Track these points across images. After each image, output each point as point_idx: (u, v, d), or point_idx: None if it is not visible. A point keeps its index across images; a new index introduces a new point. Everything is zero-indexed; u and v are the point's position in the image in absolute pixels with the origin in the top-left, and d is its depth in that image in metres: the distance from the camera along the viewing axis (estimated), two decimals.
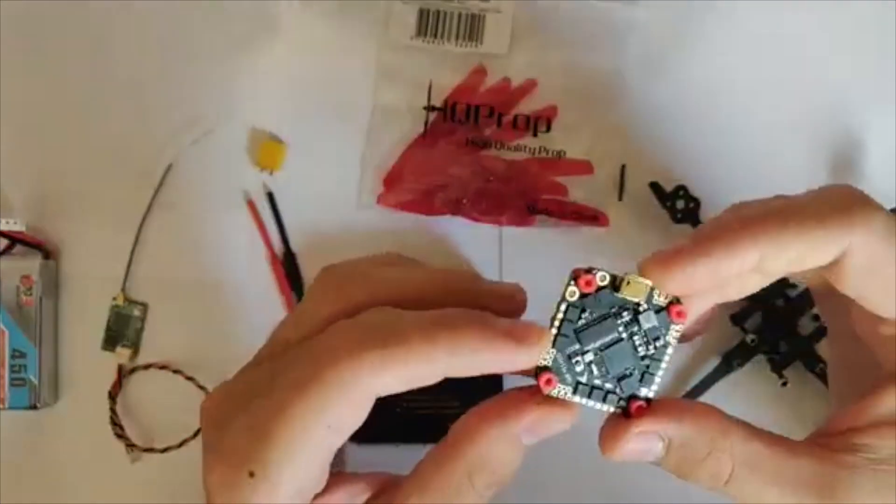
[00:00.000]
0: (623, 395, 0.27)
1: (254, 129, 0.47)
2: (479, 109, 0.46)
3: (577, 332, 0.27)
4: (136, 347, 0.46)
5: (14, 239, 0.45)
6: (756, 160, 0.46)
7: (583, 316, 0.27)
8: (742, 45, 0.47)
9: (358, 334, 0.26)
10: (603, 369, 0.27)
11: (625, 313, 0.27)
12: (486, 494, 0.27)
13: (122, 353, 0.45)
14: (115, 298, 0.46)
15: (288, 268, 0.46)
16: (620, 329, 0.27)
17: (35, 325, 0.44)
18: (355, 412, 0.26)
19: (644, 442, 0.27)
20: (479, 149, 0.46)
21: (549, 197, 0.46)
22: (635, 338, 0.27)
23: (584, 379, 0.27)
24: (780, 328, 0.44)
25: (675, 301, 0.27)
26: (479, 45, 0.46)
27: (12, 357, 0.44)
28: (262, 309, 0.45)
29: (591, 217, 0.46)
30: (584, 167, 0.46)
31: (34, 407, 0.44)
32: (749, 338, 0.44)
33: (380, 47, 0.47)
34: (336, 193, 0.46)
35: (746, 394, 0.45)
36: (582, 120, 0.46)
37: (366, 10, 0.47)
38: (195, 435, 0.43)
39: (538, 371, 0.27)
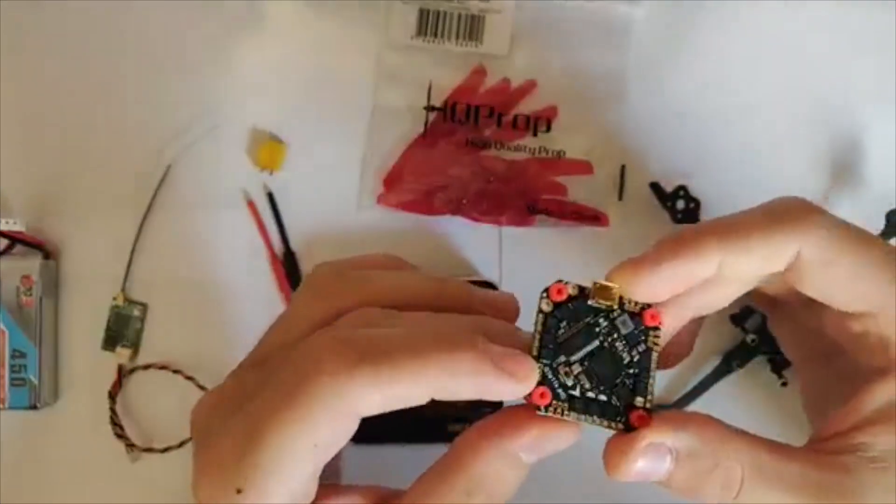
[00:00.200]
0: (619, 405, 0.27)
1: (254, 129, 0.47)
2: (479, 110, 0.46)
3: (559, 344, 0.27)
4: (136, 347, 0.46)
5: (14, 239, 0.45)
6: (756, 160, 0.46)
7: (561, 326, 0.27)
8: (742, 45, 0.47)
9: (345, 350, 0.25)
10: (594, 380, 0.27)
11: (601, 320, 0.28)
12: None
13: (122, 353, 0.45)
14: (115, 298, 0.46)
15: (288, 268, 0.46)
16: (601, 337, 0.28)
17: (35, 325, 0.44)
18: (341, 431, 0.26)
19: (652, 458, 0.27)
20: (479, 149, 0.46)
21: (549, 197, 0.46)
22: (617, 344, 0.28)
23: (576, 392, 0.27)
24: None
25: (648, 306, 0.28)
26: (479, 46, 0.46)
27: (12, 357, 0.44)
28: (262, 309, 0.45)
29: (591, 217, 0.46)
30: (584, 167, 0.46)
31: (34, 407, 0.44)
32: (749, 338, 0.44)
33: (380, 47, 0.47)
34: (336, 193, 0.46)
35: (746, 394, 0.45)
36: (582, 120, 0.46)
37: (366, 10, 0.47)
38: None
39: None
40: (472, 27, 0.46)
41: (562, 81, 0.46)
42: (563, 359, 0.27)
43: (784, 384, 0.44)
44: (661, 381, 0.45)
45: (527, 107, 0.46)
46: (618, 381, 0.27)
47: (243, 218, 0.46)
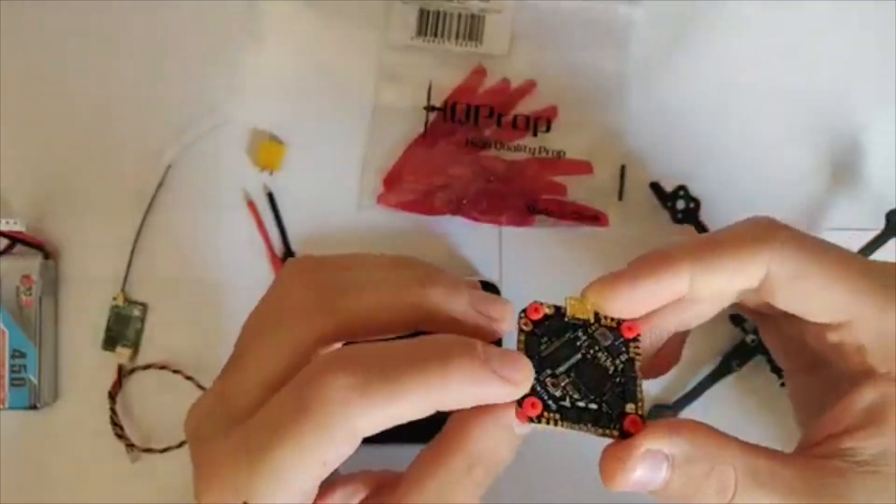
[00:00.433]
0: (612, 412, 0.27)
1: (254, 129, 0.47)
2: (479, 110, 0.46)
3: (543, 359, 0.28)
4: (135, 347, 0.46)
5: (14, 239, 0.45)
6: (756, 160, 0.46)
7: (542, 342, 0.28)
8: (742, 44, 0.47)
9: (349, 376, 0.25)
10: (582, 390, 0.27)
11: (580, 334, 0.28)
12: (483, 487, 0.27)
13: (122, 353, 0.45)
14: (115, 298, 0.46)
15: None
16: (582, 350, 0.28)
17: (35, 325, 0.44)
18: (346, 449, 0.26)
19: (650, 466, 0.27)
20: (479, 149, 0.46)
21: (549, 197, 0.46)
22: (600, 355, 0.28)
23: (566, 402, 0.27)
24: None
25: (623, 319, 0.29)
26: (479, 46, 0.46)
27: (12, 357, 0.44)
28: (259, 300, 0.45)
29: (591, 217, 0.46)
30: (584, 167, 0.46)
31: (34, 407, 0.44)
32: (749, 338, 0.44)
33: (380, 47, 0.47)
34: (336, 193, 0.46)
35: (746, 394, 0.45)
36: (582, 120, 0.46)
37: (366, 10, 0.47)
38: None
39: (519, 400, 0.27)
40: (472, 27, 0.46)
41: (562, 81, 0.46)
42: (548, 371, 0.28)
43: (783, 384, 0.44)
44: (661, 382, 0.45)
45: (527, 107, 0.46)
46: (605, 389, 0.28)
47: (243, 218, 0.46)
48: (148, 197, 0.46)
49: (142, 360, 0.46)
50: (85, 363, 0.46)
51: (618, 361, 0.28)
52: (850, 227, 0.45)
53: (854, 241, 0.44)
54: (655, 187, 0.45)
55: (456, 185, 0.46)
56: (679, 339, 0.32)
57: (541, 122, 0.46)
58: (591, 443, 0.28)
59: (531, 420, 0.27)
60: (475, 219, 0.46)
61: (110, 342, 0.46)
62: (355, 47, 0.47)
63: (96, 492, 0.45)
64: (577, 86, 0.46)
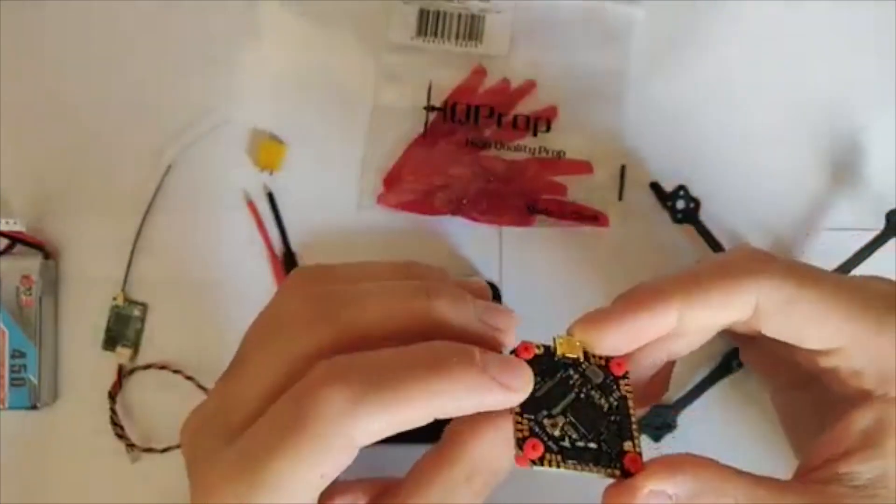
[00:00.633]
0: (611, 451, 0.27)
1: (254, 129, 0.47)
2: (479, 110, 0.46)
3: (538, 399, 0.27)
4: (136, 347, 0.46)
5: (14, 239, 0.45)
6: (756, 160, 0.46)
7: (536, 382, 0.27)
8: (742, 44, 0.47)
9: (346, 386, 0.25)
10: (580, 430, 0.27)
11: (571, 372, 0.28)
12: (483, 496, 0.27)
13: (123, 353, 0.45)
14: (115, 298, 0.46)
15: (288, 268, 0.46)
16: (576, 389, 0.28)
17: (35, 325, 0.44)
18: (345, 460, 0.26)
19: None
20: (479, 149, 0.46)
21: (548, 197, 0.46)
22: (593, 394, 0.28)
23: (566, 443, 0.27)
24: None
25: (612, 357, 0.29)
26: (479, 46, 0.46)
27: (12, 357, 0.44)
28: (261, 309, 0.45)
29: (591, 217, 0.46)
30: (584, 167, 0.46)
31: (34, 407, 0.44)
32: None
33: (380, 47, 0.47)
34: (336, 193, 0.46)
35: (745, 395, 0.45)
36: (582, 120, 0.46)
37: (366, 10, 0.47)
38: None
39: (520, 442, 0.27)
40: (472, 27, 0.46)
41: (561, 82, 0.46)
42: (545, 412, 0.27)
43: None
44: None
45: (526, 107, 0.46)
46: (602, 428, 0.28)
47: (243, 218, 0.46)
48: (148, 197, 0.46)
49: (142, 360, 0.46)
50: (85, 363, 0.46)
51: (611, 399, 0.28)
52: (850, 227, 0.45)
53: (854, 241, 0.44)
54: (655, 187, 0.45)
55: (456, 185, 0.46)
56: (667, 368, 0.32)
57: (541, 122, 0.46)
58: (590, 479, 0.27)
59: (533, 463, 0.26)
60: (475, 219, 0.46)
61: (110, 342, 0.46)
62: (355, 47, 0.47)
63: (96, 492, 0.45)
64: (577, 86, 0.46)
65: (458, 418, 0.28)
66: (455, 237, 0.46)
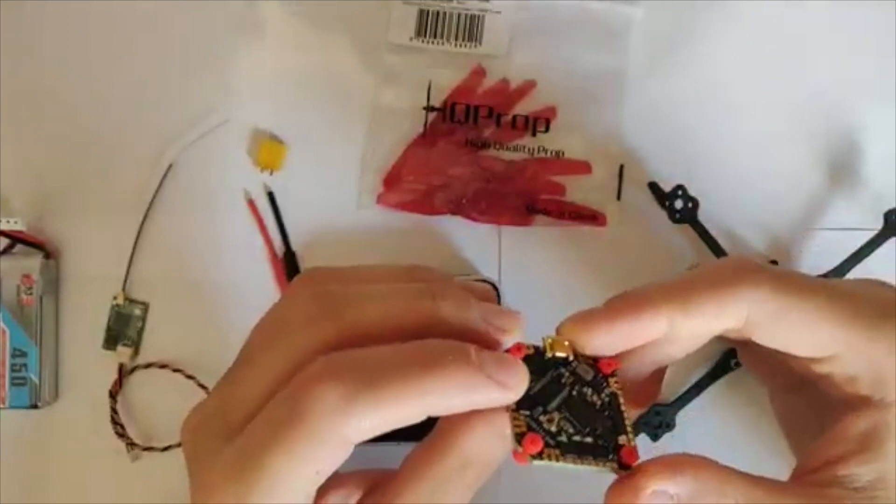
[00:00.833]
0: (607, 445, 0.27)
1: (254, 129, 0.47)
2: (479, 110, 0.46)
3: (532, 397, 0.28)
4: (136, 347, 0.46)
5: (15, 238, 0.45)
6: (755, 160, 0.46)
7: (529, 380, 0.27)
8: (741, 44, 0.47)
9: (339, 383, 0.25)
10: (576, 425, 0.28)
11: (563, 370, 0.29)
12: (474, 488, 0.28)
13: (123, 353, 0.45)
14: (115, 298, 0.46)
15: (288, 267, 0.46)
16: (568, 386, 0.28)
17: (36, 324, 0.44)
18: (340, 457, 0.26)
19: None
20: (479, 149, 0.46)
21: (547, 197, 0.46)
22: (585, 390, 0.28)
23: (563, 438, 0.27)
24: None
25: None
26: (479, 46, 0.47)
27: (13, 356, 0.44)
28: (262, 309, 0.44)
29: (589, 217, 0.46)
30: (583, 167, 0.46)
31: (35, 406, 0.44)
32: None
33: (380, 47, 0.47)
34: (336, 193, 0.46)
35: (743, 394, 0.45)
36: (580, 120, 0.46)
37: (366, 11, 0.47)
38: None
39: (518, 438, 0.27)
40: (472, 27, 0.47)
41: (561, 82, 0.46)
42: (541, 409, 0.28)
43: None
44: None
45: (526, 107, 0.47)
46: (597, 423, 0.28)
47: (243, 218, 0.46)
48: (148, 196, 0.46)
49: (142, 359, 0.46)
50: (86, 362, 0.46)
51: (603, 395, 0.28)
52: (848, 227, 0.45)
53: (852, 241, 0.44)
54: (654, 187, 0.46)
55: (455, 185, 0.46)
56: (658, 374, 0.32)
57: (540, 122, 0.46)
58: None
59: (533, 458, 0.27)
60: (474, 219, 0.46)
61: (111, 341, 0.46)
62: (355, 47, 0.47)
63: (96, 491, 0.45)
64: (576, 86, 0.46)
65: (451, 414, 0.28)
66: (454, 237, 0.46)
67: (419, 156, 0.46)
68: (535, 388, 0.28)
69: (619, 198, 0.46)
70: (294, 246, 0.46)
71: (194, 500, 0.28)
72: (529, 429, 0.27)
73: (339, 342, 0.27)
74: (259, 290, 0.46)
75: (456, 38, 0.47)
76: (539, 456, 0.27)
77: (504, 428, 0.27)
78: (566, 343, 0.29)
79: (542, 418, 0.27)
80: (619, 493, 0.27)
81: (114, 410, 0.45)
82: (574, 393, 0.28)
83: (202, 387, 0.44)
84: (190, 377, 0.45)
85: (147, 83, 0.47)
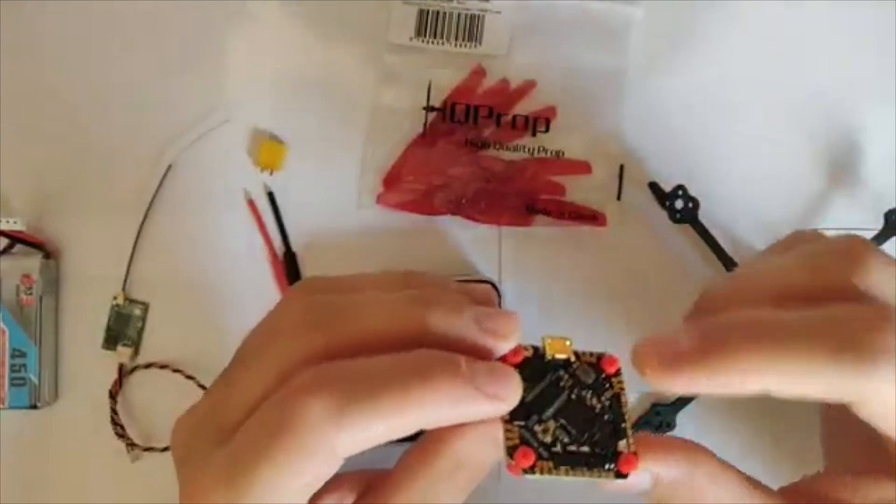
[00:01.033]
0: (604, 453, 0.27)
1: (254, 129, 0.47)
2: (479, 110, 0.46)
3: (528, 404, 0.27)
4: (136, 347, 0.46)
5: (14, 238, 0.45)
6: (755, 160, 0.46)
7: (526, 386, 0.27)
8: (741, 44, 0.47)
9: (329, 396, 0.25)
10: (571, 433, 0.27)
11: (562, 373, 0.28)
12: (467, 490, 0.28)
13: (123, 353, 0.45)
14: (115, 298, 0.46)
15: (288, 268, 0.46)
16: (566, 390, 0.28)
17: (35, 324, 0.44)
18: (329, 469, 0.26)
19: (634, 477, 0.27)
20: (478, 149, 0.46)
21: (547, 197, 0.46)
22: (584, 394, 0.28)
23: (557, 448, 0.27)
24: None
25: (602, 354, 0.28)
26: (479, 46, 0.47)
27: (12, 356, 0.44)
28: (262, 309, 0.44)
29: (589, 217, 0.46)
30: (583, 167, 0.46)
31: (34, 406, 0.44)
32: None
33: (379, 47, 0.47)
34: (336, 193, 0.46)
35: None
36: (580, 120, 0.46)
37: (365, 11, 0.47)
38: None
39: (510, 451, 0.26)
40: (472, 27, 0.47)
41: (561, 81, 0.46)
42: (535, 418, 0.27)
43: None
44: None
45: (526, 107, 0.47)
46: (595, 429, 0.27)
47: (243, 218, 0.46)
48: (148, 196, 0.46)
49: (142, 359, 0.46)
50: (85, 362, 0.46)
51: (603, 399, 0.28)
52: (848, 227, 0.45)
53: None
54: (654, 187, 0.46)
55: (455, 185, 0.46)
56: None
57: (540, 122, 0.46)
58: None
59: (525, 472, 0.26)
60: (474, 219, 0.46)
61: (111, 341, 0.46)
62: (355, 47, 0.47)
63: (96, 491, 0.45)
64: (576, 86, 0.46)
65: None
66: (454, 237, 0.46)
67: (419, 156, 0.46)
68: (531, 394, 0.27)
69: (619, 198, 0.46)
70: (294, 246, 0.46)
71: (183, 501, 0.28)
72: (522, 441, 0.26)
73: (330, 353, 0.27)
74: (259, 290, 0.46)
75: (456, 38, 0.47)
76: (531, 470, 0.26)
77: (497, 433, 0.27)
78: (567, 343, 0.28)
79: (536, 428, 0.27)
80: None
81: (114, 410, 0.45)
82: (573, 397, 0.27)
83: (202, 387, 0.44)
84: (190, 377, 0.45)
85: (147, 83, 0.47)
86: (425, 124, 0.46)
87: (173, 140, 0.46)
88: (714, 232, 0.45)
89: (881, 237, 0.44)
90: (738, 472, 0.28)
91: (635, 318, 0.45)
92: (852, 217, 0.46)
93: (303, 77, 0.47)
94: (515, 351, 0.28)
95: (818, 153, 0.46)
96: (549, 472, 0.26)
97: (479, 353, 0.27)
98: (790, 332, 0.25)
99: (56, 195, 0.46)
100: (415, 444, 0.28)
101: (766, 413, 0.45)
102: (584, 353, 0.28)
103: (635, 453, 0.27)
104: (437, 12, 0.47)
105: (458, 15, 0.47)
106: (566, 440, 0.27)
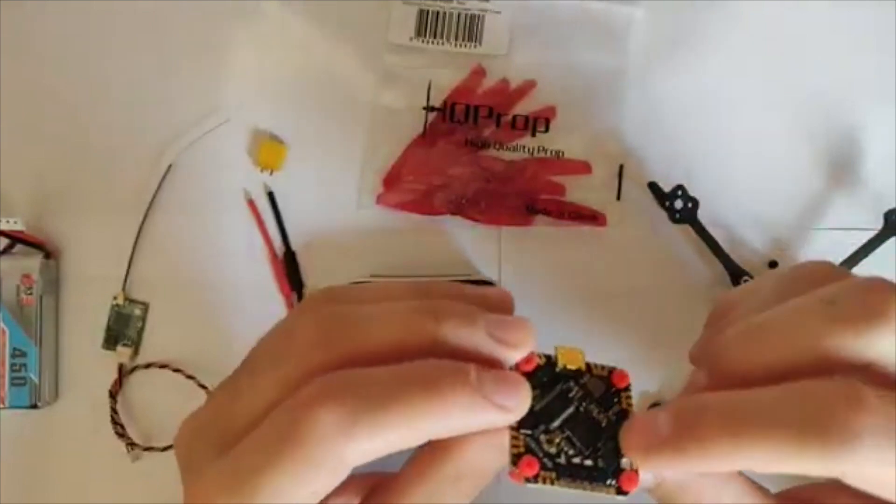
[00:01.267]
0: (607, 468, 0.27)
1: (254, 129, 0.47)
2: (479, 110, 0.46)
3: (536, 413, 0.27)
4: (136, 346, 0.46)
5: (14, 238, 0.45)
6: (755, 160, 0.46)
7: (535, 395, 0.27)
8: (741, 45, 0.47)
9: (338, 406, 0.25)
10: (576, 446, 0.27)
11: (572, 384, 0.28)
12: (470, 497, 0.27)
13: (123, 353, 0.45)
14: (115, 298, 0.46)
15: (288, 267, 0.46)
16: (575, 402, 0.28)
17: (35, 324, 0.44)
18: (337, 478, 0.26)
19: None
20: (478, 149, 0.46)
21: (547, 197, 0.46)
22: (592, 407, 0.28)
23: (561, 460, 0.27)
24: None
25: (614, 368, 0.28)
26: (479, 46, 0.47)
27: (13, 356, 0.44)
28: (262, 309, 0.45)
29: (589, 217, 0.46)
30: (583, 167, 0.46)
31: (34, 406, 0.44)
32: None
33: (379, 47, 0.47)
34: (336, 193, 0.46)
35: None
36: (580, 120, 0.46)
37: (366, 11, 0.47)
38: None
39: (515, 459, 0.26)
40: (472, 27, 0.47)
41: (561, 81, 0.46)
42: (542, 427, 0.27)
43: None
44: (660, 380, 0.45)
45: (525, 107, 0.47)
46: (600, 444, 0.27)
47: (243, 218, 0.46)
48: (148, 196, 0.46)
49: (142, 359, 0.46)
50: (85, 362, 0.46)
51: (610, 413, 0.28)
52: (848, 227, 0.45)
53: (852, 241, 0.44)
54: (653, 187, 0.46)
55: (455, 185, 0.46)
56: None
57: (539, 122, 0.46)
58: None
59: (528, 480, 0.26)
60: (474, 219, 0.46)
61: (111, 341, 0.46)
62: (355, 47, 0.47)
63: (96, 491, 0.45)
64: (576, 86, 0.46)
65: None
66: (454, 237, 0.46)
67: (419, 156, 0.46)
68: (540, 404, 0.27)
69: (619, 198, 0.46)
70: (294, 246, 0.46)
71: (187, 503, 0.28)
72: (528, 450, 0.26)
73: (341, 364, 0.27)
74: (259, 290, 0.46)
75: (456, 38, 0.47)
76: (534, 479, 0.26)
77: (503, 440, 0.27)
78: (579, 355, 0.28)
79: (542, 438, 0.27)
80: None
81: (114, 410, 0.45)
82: (581, 409, 0.27)
83: (202, 387, 0.44)
84: (190, 377, 0.45)
85: (147, 83, 0.47)
86: (425, 124, 0.46)
87: (173, 140, 0.46)
88: (713, 232, 0.45)
89: (881, 237, 0.44)
90: (740, 474, 0.28)
91: (635, 317, 0.45)
92: (852, 217, 0.46)
93: (303, 77, 0.47)
94: (528, 359, 0.28)
95: (818, 153, 0.46)
96: (552, 482, 0.27)
97: (491, 362, 0.27)
98: (759, 417, 0.25)
99: (56, 195, 0.46)
100: (420, 448, 0.28)
101: None
102: (595, 366, 0.28)
103: (636, 471, 0.27)
104: (437, 12, 0.47)
105: (458, 15, 0.47)
106: (571, 452, 0.27)
